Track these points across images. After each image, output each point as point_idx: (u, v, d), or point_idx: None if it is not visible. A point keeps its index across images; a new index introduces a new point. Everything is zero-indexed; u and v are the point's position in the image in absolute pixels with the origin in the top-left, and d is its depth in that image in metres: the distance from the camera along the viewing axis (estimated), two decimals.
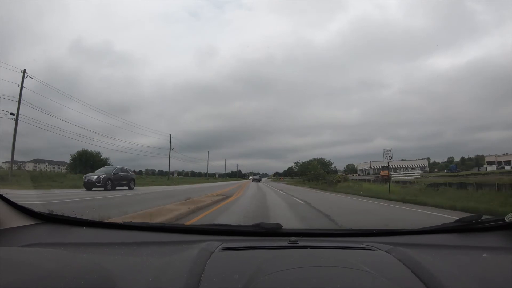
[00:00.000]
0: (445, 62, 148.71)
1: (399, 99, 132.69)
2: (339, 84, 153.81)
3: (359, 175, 52.67)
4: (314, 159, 48.20)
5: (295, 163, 75.50)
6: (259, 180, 58.54)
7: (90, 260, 0.95)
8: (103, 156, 41.48)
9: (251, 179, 65.73)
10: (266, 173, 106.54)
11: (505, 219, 1.31)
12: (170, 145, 46.25)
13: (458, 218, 1.47)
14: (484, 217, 1.44)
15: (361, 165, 61.61)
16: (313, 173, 38.65)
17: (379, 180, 31.09)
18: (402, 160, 55.04)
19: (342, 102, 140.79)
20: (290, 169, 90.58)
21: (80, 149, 39.68)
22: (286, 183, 45.44)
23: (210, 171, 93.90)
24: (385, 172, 36.26)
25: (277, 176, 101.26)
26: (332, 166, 47.18)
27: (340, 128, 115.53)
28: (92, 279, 0.77)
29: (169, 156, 46.80)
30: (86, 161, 38.01)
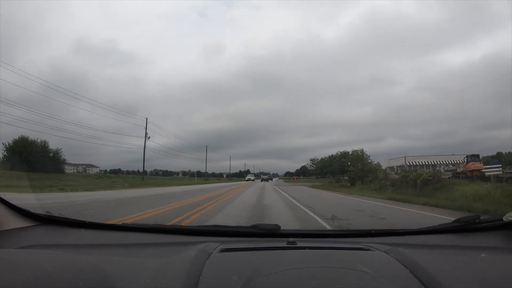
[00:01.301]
0: (459, 56, 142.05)
1: (411, 97, 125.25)
2: (350, 81, 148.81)
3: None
4: (357, 150, 31.73)
5: (311, 160, 67.08)
6: (267, 180, 52.84)
7: (88, 262, 0.95)
8: (53, 146, 31.25)
9: (248, 179, 56.50)
10: (276, 173, 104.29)
11: (503, 219, 1.32)
12: (146, 134, 35.77)
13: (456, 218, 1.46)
14: (482, 217, 1.44)
15: (391, 162, 48.88)
16: (361, 169, 25.64)
17: (468, 176, 21.26)
18: (439, 155, 44.01)
19: (352, 100, 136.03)
20: (303, 168, 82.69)
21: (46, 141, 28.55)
22: (311, 186, 28.85)
23: (217, 171, 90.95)
24: (478, 165, 23.52)
25: (288, 175, 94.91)
26: (370, 160, 31.56)
27: (350, 127, 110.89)
28: (90, 280, 0.77)
29: (144, 146, 36.19)
30: (21, 153, 26.49)
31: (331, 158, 49.53)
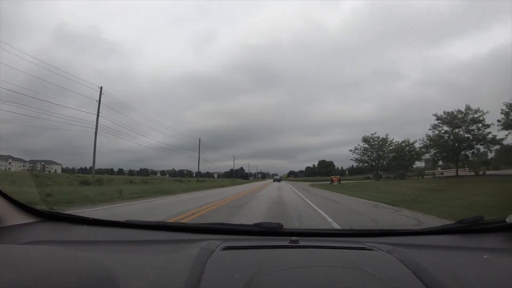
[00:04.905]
0: (468, 48, 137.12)
1: (416, 92, 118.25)
2: (352, 74, 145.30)
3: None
4: None
5: (365, 139, 38.48)
6: (279, 180, 53.44)
7: (91, 258, 0.95)
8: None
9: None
10: (276, 173, 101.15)
11: (506, 220, 1.31)
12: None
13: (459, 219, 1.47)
14: (485, 218, 1.44)
15: None
16: None
17: None
18: None
19: (354, 96, 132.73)
20: (323, 163, 68.89)
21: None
22: None
23: (212, 171, 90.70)
24: None
25: (292, 176, 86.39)
26: None
27: (352, 126, 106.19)
28: (93, 277, 0.77)
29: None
30: None
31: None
